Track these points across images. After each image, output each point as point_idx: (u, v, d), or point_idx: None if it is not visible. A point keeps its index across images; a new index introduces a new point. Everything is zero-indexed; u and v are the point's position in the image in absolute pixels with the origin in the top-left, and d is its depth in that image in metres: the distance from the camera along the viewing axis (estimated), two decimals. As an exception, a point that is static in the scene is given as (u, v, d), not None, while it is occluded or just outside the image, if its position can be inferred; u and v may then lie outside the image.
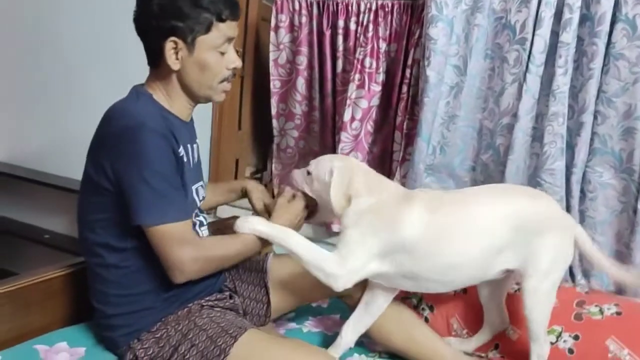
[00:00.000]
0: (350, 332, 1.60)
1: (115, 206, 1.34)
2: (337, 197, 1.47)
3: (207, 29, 1.37)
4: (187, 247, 1.33)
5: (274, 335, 1.62)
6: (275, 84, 2.36)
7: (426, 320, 1.81)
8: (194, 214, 1.49)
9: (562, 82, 1.80)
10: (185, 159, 1.41)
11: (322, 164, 1.55)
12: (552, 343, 1.61)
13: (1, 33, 2.92)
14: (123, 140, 1.30)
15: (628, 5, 1.70)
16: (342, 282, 1.43)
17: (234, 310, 1.57)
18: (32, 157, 2.89)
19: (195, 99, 1.47)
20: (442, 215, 1.45)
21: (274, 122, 2.42)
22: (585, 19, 1.78)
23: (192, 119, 1.57)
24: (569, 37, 1.77)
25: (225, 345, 1.34)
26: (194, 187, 1.50)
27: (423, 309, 1.84)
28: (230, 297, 1.60)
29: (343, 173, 1.49)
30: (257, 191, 1.71)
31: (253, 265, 1.69)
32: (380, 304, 1.59)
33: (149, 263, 1.38)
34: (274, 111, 2.40)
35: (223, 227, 1.81)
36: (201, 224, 1.54)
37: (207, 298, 1.52)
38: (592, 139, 1.83)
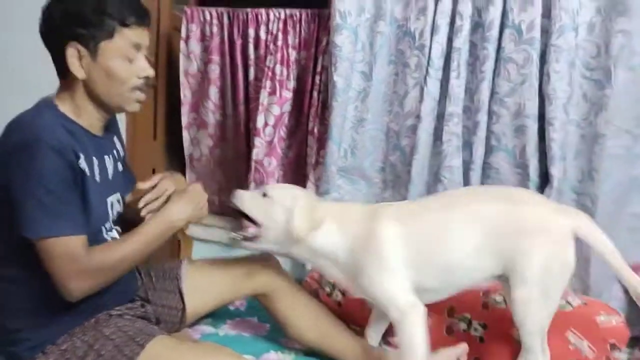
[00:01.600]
0: (374, 332, 1.64)
1: (8, 218, 1.31)
2: (301, 221, 1.45)
3: (110, 35, 1.35)
4: (71, 263, 1.29)
5: (187, 340, 1.61)
6: (185, 94, 2.37)
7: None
8: (104, 229, 1.46)
9: (456, 84, 1.92)
10: (88, 173, 1.37)
11: (285, 191, 1.56)
12: (463, 330, 1.66)
13: None
14: (18, 154, 1.28)
15: (514, 12, 1.83)
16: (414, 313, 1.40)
17: (145, 318, 1.55)
18: None
19: (106, 109, 1.44)
20: (418, 225, 1.44)
21: (185, 133, 2.42)
22: (478, 25, 1.90)
23: (112, 131, 1.55)
24: (460, 42, 1.89)
25: (132, 354, 1.32)
26: (109, 200, 1.47)
27: (336, 295, 1.87)
28: (142, 305, 1.58)
29: (310, 200, 1.52)
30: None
31: (167, 272, 1.68)
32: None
33: (45, 276, 1.34)
34: (185, 121, 2.40)
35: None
36: (113, 239, 1.49)
37: (117, 308, 1.50)
38: (488, 137, 1.95)
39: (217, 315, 1.84)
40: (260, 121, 2.19)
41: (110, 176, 1.49)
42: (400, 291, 1.41)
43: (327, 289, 1.91)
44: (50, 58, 1.41)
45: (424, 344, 1.38)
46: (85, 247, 1.32)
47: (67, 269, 1.29)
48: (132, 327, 1.43)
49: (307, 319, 1.66)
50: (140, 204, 1.47)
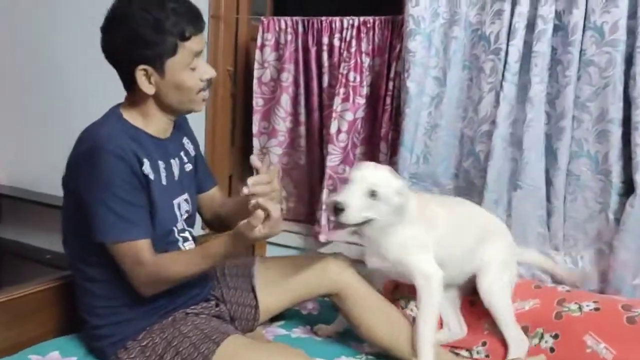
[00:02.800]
0: (452, 323, 1.76)
1: (85, 223, 1.40)
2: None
3: (174, 52, 1.40)
4: (140, 267, 1.38)
5: (260, 339, 1.66)
6: (257, 102, 2.40)
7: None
8: (175, 230, 1.52)
9: (539, 89, 1.86)
10: (153, 177, 1.44)
11: (390, 183, 1.56)
12: (534, 345, 1.65)
13: (2, 57, 3.02)
14: (83, 162, 1.39)
15: (596, 13, 1.76)
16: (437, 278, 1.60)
17: (220, 317, 1.60)
18: (33, 179, 2.97)
19: (175, 114, 1.52)
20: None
21: (255, 141, 2.44)
22: (558, 29, 1.84)
23: (181, 132, 1.61)
24: (543, 46, 1.83)
25: (208, 352, 1.38)
26: (175, 202, 1.53)
27: (412, 310, 1.88)
28: (217, 305, 1.64)
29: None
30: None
31: (240, 270, 1.73)
32: (455, 293, 1.78)
33: (123, 276, 1.43)
34: (255, 129, 2.42)
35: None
36: (185, 240, 1.56)
37: (193, 307, 1.56)
38: (570, 143, 1.88)
39: (290, 318, 1.88)
40: (333, 127, 2.22)
41: (176, 177, 1.55)
42: (429, 262, 1.62)
43: (402, 303, 1.90)
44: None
45: (439, 305, 1.61)
46: (149, 251, 1.40)
47: (136, 274, 1.40)
48: (208, 325, 1.48)
49: (379, 319, 1.65)
50: (249, 181, 1.43)
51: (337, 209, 1.48)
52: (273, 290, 1.70)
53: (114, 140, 1.38)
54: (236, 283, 1.71)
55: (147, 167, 1.42)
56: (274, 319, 1.82)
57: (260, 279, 1.70)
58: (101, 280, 1.47)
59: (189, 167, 1.62)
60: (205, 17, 2.37)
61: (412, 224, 1.60)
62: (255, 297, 1.68)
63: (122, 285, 1.43)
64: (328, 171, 2.25)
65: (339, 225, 1.59)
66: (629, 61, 1.75)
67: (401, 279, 1.76)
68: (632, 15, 1.73)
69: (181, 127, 1.63)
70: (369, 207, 1.52)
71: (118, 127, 1.44)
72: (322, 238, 2.26)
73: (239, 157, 2.69)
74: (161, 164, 1.49)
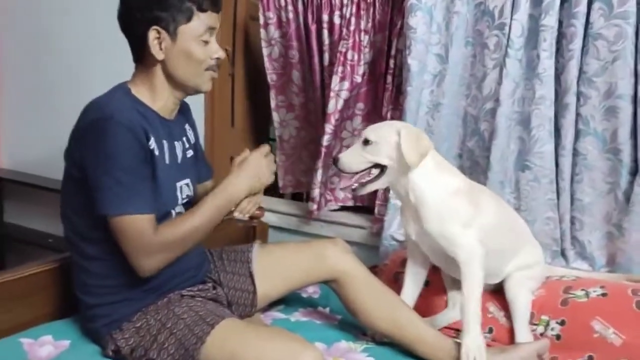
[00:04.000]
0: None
1: (86, 197, 1.37)
2: (411, 151, 1.52)
3: (189, 19, 1.41)
4: (140, 240, 1.35)
5: (258, 324, 1.63)
6: (272, 78, 2.37)
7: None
8: (174, 212, 1.50)
9: (548, 65, 1.80)
10: (157, 154, 1.42)
11: (383, 129, 1.58)
12: (541, 334, 1.62)
13: (5, 40, 2.99)
14: (90, 133, 1.36)
15: (604, -16, 1.69)
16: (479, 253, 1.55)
17: (217, 301, 1.58)
18: (35, 163, 2.95)
19: (182, 89, 1.50)
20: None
21: (274, 115, 2.43)
22: (563, 1, 1.77)
23: (184, 118, 1.60)
24: (552, 20, 1.77)
25: (202, 333, 1.36)
26: (178, 184, 1.52)
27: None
28: (214, 287, 1.62)
29: (411, 130, 1.58)
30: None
31: (238, 255, 1.71)
32: (423, 274, 1.72)
33: (122, 254, 1.40)
34: (273, 104, 2.41)
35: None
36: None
37: (189, 288, 1.54)
38: (576, 121, 1.81)
39: (290, 302, 1.85)
40: (331, 107, 2.17)
41: (179, 160, 1.54)
42: (471, 237, 1.56)
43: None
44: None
45: (482, 282, 1.54)
46: (153, 225, 1.37)
47: (137, 246, 1.36)
48: (204, 308, 1.46)
49: (379, 306, 1.61)
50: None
51: (335, 160, 1.60)
52: (271, 277, 1.67)
53: (123, 112, 1.36)
54: (234, 268, 1.68)
55: (153, 143, 1.41)
56: (273, 303, 1.80)
57: (258, 265, 1.68)
58: (98, 258, 1.44)
59: (190, 152, 1.61)
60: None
61: (455, 195, 1.56)
62: (253, 282, 1.66)
63: (119, 264, 1.40)
64: (323, 149, 2.21)
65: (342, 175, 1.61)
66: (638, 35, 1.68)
67: (442, 264, 1.68)
68: (642, -14, 1.66)
69: (185, 113, 1.62)
70: (365, 153, 1.55)
71: (126, 100, 1.43)
72: (314, 214, 2.27)
73: (239, 138, 2.64)
74: (165, 144, 1.47)
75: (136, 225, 1.35)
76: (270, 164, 1.56)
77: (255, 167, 1.52)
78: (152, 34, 1.40)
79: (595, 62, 1.74)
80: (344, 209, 2.42)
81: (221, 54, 1.49)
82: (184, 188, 1.55)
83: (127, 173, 1.34)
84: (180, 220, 1.44)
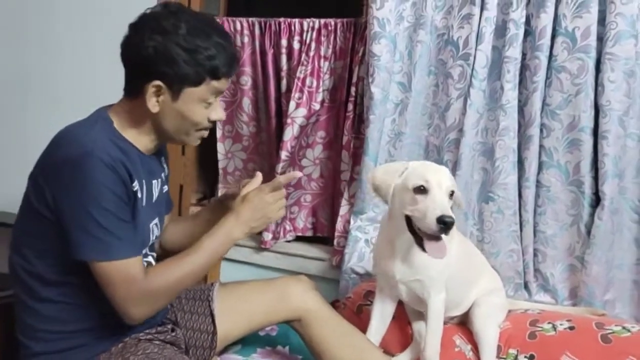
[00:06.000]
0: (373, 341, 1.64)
1: (56, 237, 1.24)
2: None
3: (198, 83, 1.29)
4: (131, 287, 1.23)
5: (217, 371, 1.51)
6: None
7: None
8: (143, 253, 1.38)
9: (512, 96, 1.81)
10: (139, 195, 1.30)
11: (447, 176, 1.44)
12: None
13: None
14: (68, 169, 1.20)
15: (567, 18, 1.71)
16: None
17: (175, 344, 1.46)
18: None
19: (169, 139, 1.39)
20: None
21: (219, 146, 2.34)
22: (527, 33, 1.79)
23: (160, 152, 1.47)
24: (515, 52, 1.78)
25: None
26: (151, 225, 1.40)
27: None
28: (172, 330, 1.50)
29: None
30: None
31: (197, 294, 1.59)
32: (391, 309, 1.66)
33: (91, 300, 1.28)
34: (219, 134, 2.32)
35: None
36: (149, 265, 1.42)
37: (147, 331, 1.41)
38: (539, 153, 1.82)
39: (248, 343, 1.74)
40: (287, 133, 2.10)
41: (154, 199, 1.42)
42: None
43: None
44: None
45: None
46: (142, 270, 1.26)
47: (128, 294, 1.24)
48: (160, 355, 1.35)
49: (344, 347, 1.54)
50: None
51: (448, 222, 1.33)
52: (233, 317, 1.56)
53: (104, 148, 1.22)
54: (193, 306, 1.56)
55: (135, 184, 1.28)
56: (230, 343, 1.68)
57: (220, 304, 1.57)
58: (56, 301, 1.30)
59: (165, 188, 1.50)
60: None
61: None
62: (214, 322, 1.54)
63: (81, 309, 1.29)
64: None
65: (437, 239, 1.39)
66: (598, 68, 1.71)
67: (411, 300, 1.61)
68: (601, 21, 1.69)
69: (162, 146, 1.50)
70: (450, 207, 1.39)
71: (108, 134, 1.28)
72: (269, 244, 2.20)
73: (190, 167, 2.53)
74: (145, 183, 1.35)
75: (126, 271, 1.23)
76: (277, 199, 1.42)
77: (259, 205, 1.39)
78: (151, 88, 1.27)
79: (559, 95, 1.75)
80: (299, 239, 2.34)
81: (222, 116, 1.38)
82: (154, 228, 1.43)
83: (111, 215, 1.21)
84: (173, 264, 1.32)
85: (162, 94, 1.28)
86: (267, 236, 2.19)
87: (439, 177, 1.39)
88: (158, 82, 1.26)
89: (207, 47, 1.27)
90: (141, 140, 1.35)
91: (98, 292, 1.25)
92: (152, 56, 1.25)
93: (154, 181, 1.42)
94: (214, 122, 1.39)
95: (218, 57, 1.28)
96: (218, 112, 1.37)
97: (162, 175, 1.48)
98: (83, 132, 1.26)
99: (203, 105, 1.32)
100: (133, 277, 1.24)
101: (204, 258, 1.33)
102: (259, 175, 1.47)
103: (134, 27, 1.30)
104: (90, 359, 1.32)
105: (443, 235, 1.36)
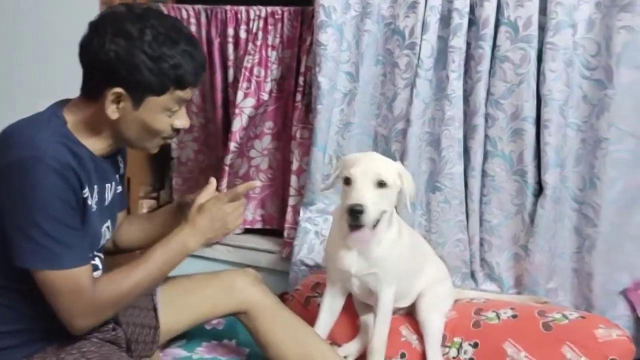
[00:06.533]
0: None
1: None
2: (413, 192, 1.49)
3: (161, 92, 1.23)
4: (78, 298, 1.19)
5: (157, 368, 1.48)
6: None
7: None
8: (93, 255, 1.34)
9: (457, 86, 1.80)
10: (89, 202, 1.24)
11: (391, 169, 1.42)
12: (453, 358, 1.59)
13: None
14: (14, 174, 1.15)
15: (510, 8, 1.71)
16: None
17: (115, 343, 1.41)
18: None
19: (127, 144, 1.33)
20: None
21: None
22: (471, 23, 1.79)
23: (116, 154, 1.40)
24: (460, 41, 1.77)
25: None
26: (102, 229, 1.35)
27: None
28: (114, 329, 1.44)
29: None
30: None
31: None
32: (341, 303, 1.65)
33: (29, 303, 1.23)
34: None
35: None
36: (95, 268, 1.35)
37: None
38: (484, 142, 1.82)
39: (192, 336, 1.71)
40: (235, 124, 2.06)
41: (106, 203, 1.36)
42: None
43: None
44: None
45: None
46: (90, 279, 1.21)
47: (74, 305, 1.19)
48: (97, 353, 1.30)
49: (290, 339, 1.52)
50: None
51: (356, 212, 1.34)
52: (176, 310, 1.53)
53: (55, 153, 1.15)
54: (135, 301, 1.50)
55: (86, 191, 1.22)
56: (174, 337, 1.64)
57: (163, 297, 1.53)
58: None
59: (119, 189, 1.45)
60: (97, 3, 2.18)
61: (400, 234, 1.53)
62: (157, 316, 1.50)
63: (18, 312, 1.25)
64: (227, 169, 2.10)
65: (358, 229, 1.37)
66: (540, 58, 1.72)
67: (362, 294, 1.60)
68: (543, 11, 1.70)
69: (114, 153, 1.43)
70: (380, 198, 1.38)
71: (60, 137, 1.20)
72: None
73: (138, 159, 2.46)
74: (96, 188, 1.29)
75: (74, 281, 1.18)
76: (236, 208, 1.38)
77: (217, 214, 1.35)
78: (111, 95, 1.20)
79: (502, 85, 1.76)
80: (248, 231, 2.31)
81: (186, 124, 1.32)
82: (105, 232, 1.38)
83: (59, 223, 1.16)
84: (123, 273, 1.27)
85: (122, 100, 1.22)
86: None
87: (364, 167, 1.38)
88: (119, 89, 1.20)
89: (172, 56, 1.20)
90: (96, 144, 1.28)
91: (35, 297, 1.20)
92: (113, 61, 1.18)
93: (107, 185, 1.36)
94: (178, 131, 1.33)
95: (184, 66, 1.22)
96: (182, 120, 1.31)
97: (117, 176, 1.42)
98: (32, 133, 1.19)
99: (166, 114, 1.27)
100: (81, 287, 1.19)
101: (156, 269, 1.29)
102: (213, 182, 1.43)
103: (95, 28, 1.22)
104: (22, 358, 1.27)
105: (366, 226, 1.38)
